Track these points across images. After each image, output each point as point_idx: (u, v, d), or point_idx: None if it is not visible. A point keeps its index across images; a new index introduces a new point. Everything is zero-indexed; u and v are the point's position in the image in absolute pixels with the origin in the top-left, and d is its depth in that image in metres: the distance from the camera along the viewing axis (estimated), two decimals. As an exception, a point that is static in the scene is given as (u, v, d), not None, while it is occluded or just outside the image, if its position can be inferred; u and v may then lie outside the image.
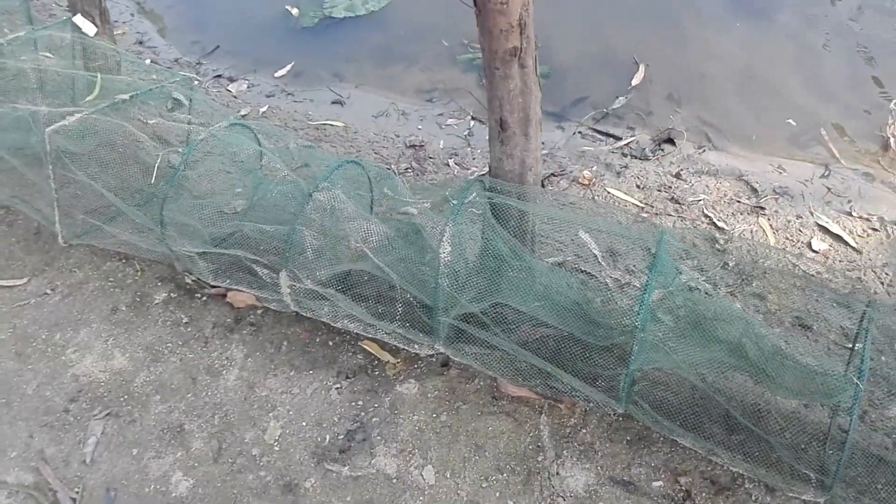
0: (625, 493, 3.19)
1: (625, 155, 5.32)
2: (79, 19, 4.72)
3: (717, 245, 4.52)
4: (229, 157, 4.47)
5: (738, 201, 4.88)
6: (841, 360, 3.71)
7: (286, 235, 3.58)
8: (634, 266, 4.31)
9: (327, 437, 3.43)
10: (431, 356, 3.71)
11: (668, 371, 3.57)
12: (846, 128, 5.53)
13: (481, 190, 3.56)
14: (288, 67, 6.34)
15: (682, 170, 5.12)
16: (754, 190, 4.97)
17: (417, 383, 3.61)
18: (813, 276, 4.36)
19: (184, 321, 3.95)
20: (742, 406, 3.44)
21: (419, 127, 5.71)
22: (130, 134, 4.08)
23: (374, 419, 3.48)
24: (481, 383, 3.60)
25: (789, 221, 4.72)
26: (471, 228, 3.64)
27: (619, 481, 3.24)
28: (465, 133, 5.65)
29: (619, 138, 5.49)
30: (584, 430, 3.41)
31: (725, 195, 4.93)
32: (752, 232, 4.64)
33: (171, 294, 4.09)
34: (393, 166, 5.22)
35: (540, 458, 3.31)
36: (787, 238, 4.63)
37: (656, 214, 4.76)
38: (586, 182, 5.05)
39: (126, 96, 4.12)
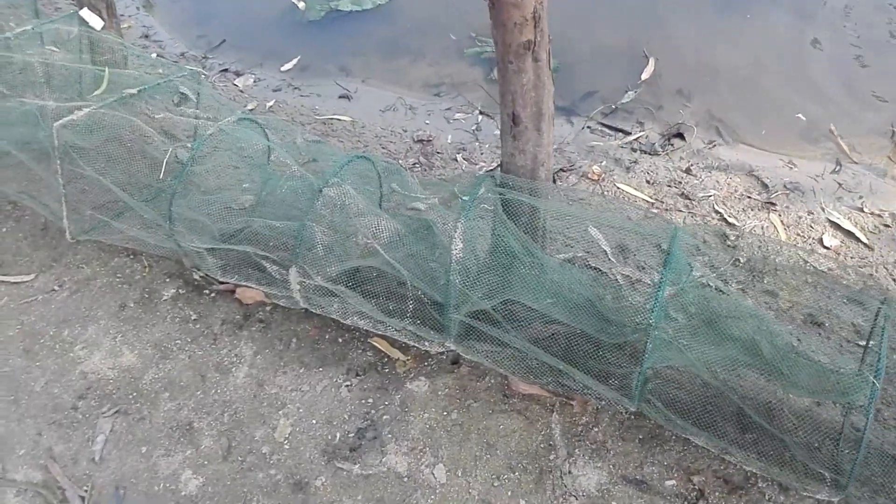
0: (637, 493, 3.17)
1: (634, 150, 5.29)
2: (86, 13, 4.68)
3: (727, 241, 4.49)
4: (237, 152, 4.45)
5: (749, 197, 4.84)
6: (853, 358, 3.69)
7: (296, 231, 3.55)
8: (645, 263, 4.28)
9: (338, 435, 3.41)
10: (442, 353, 3.69)
11: (680, 369, 3.54)
12: (856, 123, 5.48)
13: (492, 186, 3.54)
14: (294, 61, 6.30)
15: (692, 165, 5.08)
16: (765, 185, 4.94)
17: (428, 381, 3.59)
18: (825, 272, 4.32)
19: (192, 318, 3.93)
20: (755, 404, 3.41)
21: (427, 121, 5.67)
22: (138, 129, 4.05)
23: (384, 417, 3.45)
24: (492, 381, 3.58)
25: (800, 217, 4.69)
26: (480, 224, 3.61)
27: (632, 480, 3.21)
28: (473, 128, 5.61)
29: (628, 133, 5.45)
30: (596, 429, 3.39)
31: (736, 191, 4.89)
32: (762, 228, 4.61)
33: (180, 290, 4.07)
34: (401, 161, 5.19)
35: (552, 457, 3.28)
36: (798, 234, 4.59)
37: (666, 210, 4.73)
38: (596, 177, 5.02)
39: (134, 91, 4.09)
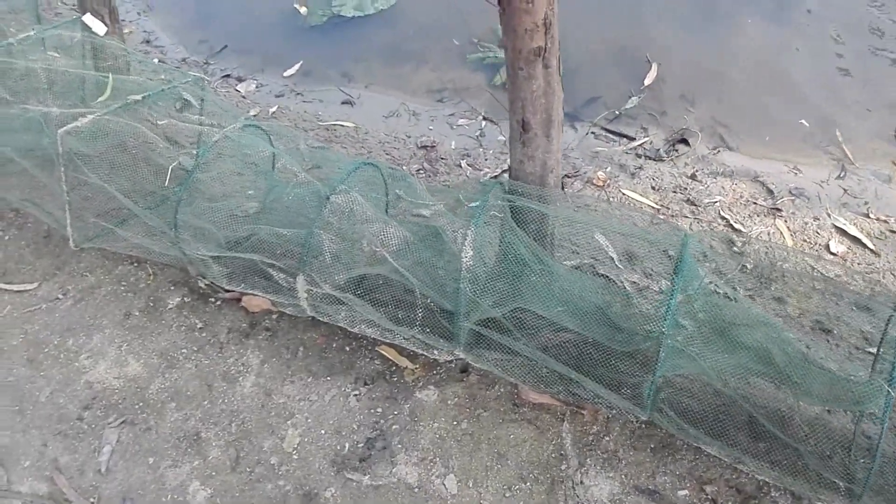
0: (650, 503, 3.14)
1: (639, 156, 5.27)
2: (89, 18, 4.65)
3: (734, 247, 4.47)
4: (241, 158, 4.41)
5: (755, 203, 4.83)
6: (863, 366, 3.67)
7: (304, 239, 3.52)
8: (652, 269, 4.26)
9: (347, 445, 3.37)
10: (450, 362, 3.66)
11: (690, 377, 3.52)
12: (860, 128, 5.48)
13: (501, 192, 3.51)
14: (296, 67, 6.28)
15: (697, 171, 5.07)
16: (770, 191, 4.93)
17: (437, 390, 3.56)
18: (832, 279, 4.31)
19: (198, 326, 3.89)
20: (766, 412, 3.39)
21: (430, 127, 5.65)
22: (143, 135, 4.01)
23: (393, 427, 3.42)
24: (502, 390, 3.55)
25: (806, 223, 4.68)
26: (487, 231, 3.58)
27: (644, 490, 3.19)
28: (477, 133, 5.59)
29: (632, 138, 5.44)
30: (608, 438, 3.37)
31: (741, 196, 4.88)
32: (769, 234, 4.60)
33: (185, 298, 4.04)
34: (405, 167, 5.16)
35: (563, 467, 3.26)
36: (804, 240, 4.58)
37: (672, 216, 4.71)
38: (601, 183, 5.00)
39: (138, 97, 4.06)
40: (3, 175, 4.58)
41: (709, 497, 3.16)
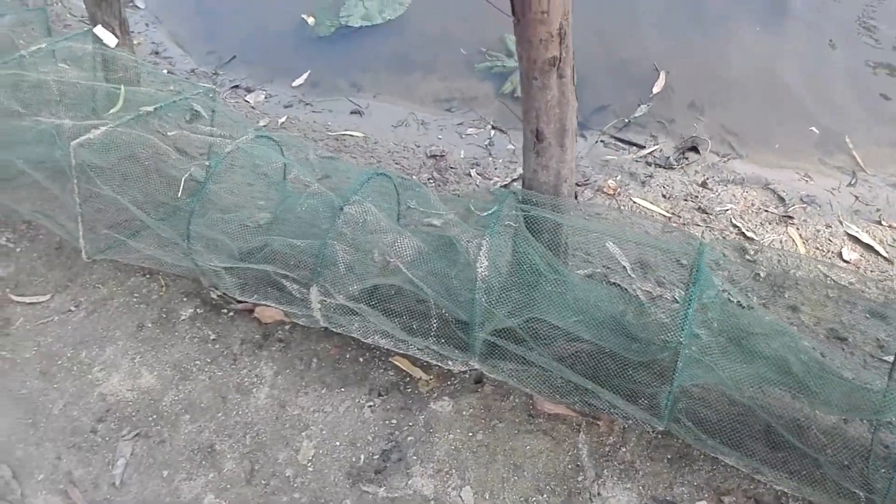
0: (668, 514, 3.13)
1: (649, 164, 5.27)
2: (99, 30, 4.66)
3: (747, 255, 4.46)
4: (252, 169, 4.41)
5: (766, 210, 4.82)
6: (878, 374, 3.65)
7: (317, 250, 3.52)
8: (665, 278, 4.25)
9: (362, 456, 3.36)
10: (465, 372, 3.65)
11: (705, 387, 3.50)
12: (871, 136, 5.47)
13: (514, 202, 3.51)
14: (304, 76, 6.28)
15: (707, 178, 5.06)
16: (781, 199, 4.91)
17: (452, 401, 3.54)
18: (846, 286, 4.29)
19: (211, 338, 3.88)
20: (784, 422, 3.37)
21: (439, 137, 5.65)
22: (155, 147, 4.02)
23: (409, 438, 3.41)
24: (516, 400, 3.54)
25: (818, 231, 4.66)
26: (499, 241, 3.57)
27: (662, 501, 3.17)
28: (486, 142, 5.59)
29: (642, 147, 5.43)
30: (624, 449, 3.35)
31: (753, 204, 4.86)
32: (781, 242, 4.58)
33: (198, 310, 4.03)
34: (414, 177, 5.16)
35: (580, 478, 3.24)
36: (817, 248, 4.57)
37: (684, 224, 4.70)
38: (611, 192, 4.99)
39: (150, 108, 4.06)
40: (14, 187, 4.59)
41: (727, 508, 3.14)
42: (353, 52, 6.48)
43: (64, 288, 4.17)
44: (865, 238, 4.60)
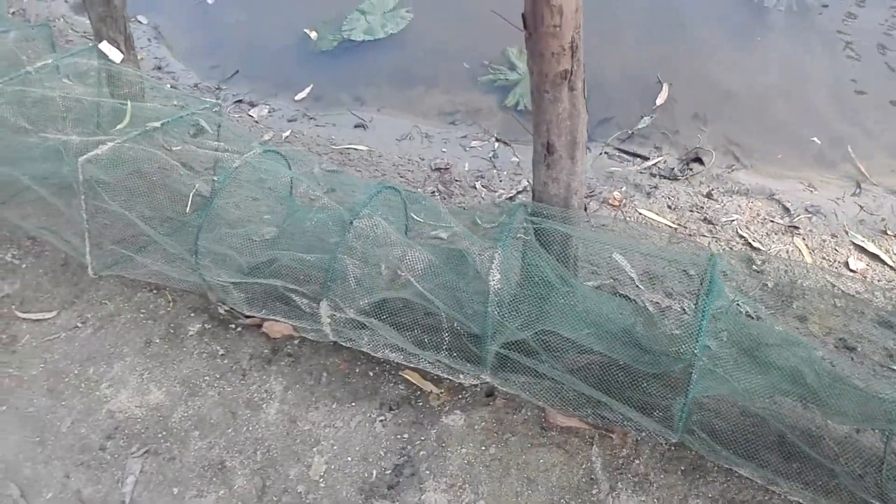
0: (684, 527, 3.10)
1: (653, 175, 5.27)
2: (105, 46, 4.67)
3: (754, 265, 4.46)
4: (256, 184, 4.40)
5: (772, 221, 4.82)
6: (888, 383, 3.64)
7: (327, 264, 3.51)
8: (673, 289, 4.24)
9: (374, 472, 3.33)
10: (475, 386, 3.63)
11: (718, 397, 3.49)
12: (874, 145, 5.49)
13: (524, 215, 3.50)
14: (307, 90, 6.29)
15: (712, 189, 5.07)
16: (786, 209, 4.92)
17: (463, 414, 3.53)
18: (853, 296, 4.29)
19: (220, 353, 3.86)
20: (796, 432, 3.36)
21: (443, 150, 5.66)
22: (162, 162, 4.01)
23: (421, 452, 3.39)
24: (528, 413, 3.52)
25: (824, 241, 4.67)
26: (509, 254, 3.57)
27: (678, 514, 3.15)
28: (490, 155, 5.60)
29: (646, 158, 5.44)
30: (638, 461, 3.33)
31: (758, 215, 4.87)
32: (788, 252, 4.58)
33: (206, 325, 4.01)
34: (420, 190, 5.16)
35: (594, 491, 3.22)
36: (823, 258, 4.57)
37: (690, 235, 4.70)
38: (617, 203, 5.00)
39: (157, 124, 4.06)
40: (19, 203, 4.58)
41: (743, 520, 3.12)
42: (355, 66, 6.49)
43: (70, 304, 4.15)
44: (871, 248, 4.60)
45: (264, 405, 3.62)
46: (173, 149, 4.51)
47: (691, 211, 4.90)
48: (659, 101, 5.89)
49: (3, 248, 4.49)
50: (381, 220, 3.57)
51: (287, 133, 5.78)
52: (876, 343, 3.96)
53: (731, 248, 4.59)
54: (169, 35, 7.00)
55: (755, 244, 4.62)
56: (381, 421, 3.52)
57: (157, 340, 3.94)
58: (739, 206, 4.94)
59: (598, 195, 5.07)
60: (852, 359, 3.89)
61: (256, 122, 5.95)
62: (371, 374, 3.75)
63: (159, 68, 6.53)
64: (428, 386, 3.66)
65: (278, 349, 3.88)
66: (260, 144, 4.36)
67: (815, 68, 6.09)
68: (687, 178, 5.22)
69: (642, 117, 5.76)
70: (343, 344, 3.71)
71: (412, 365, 3.62)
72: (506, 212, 3.60)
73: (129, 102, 4.33)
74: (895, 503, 3.05)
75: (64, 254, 4.40)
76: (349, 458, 3.39)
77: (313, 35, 6.74)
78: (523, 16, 2.99)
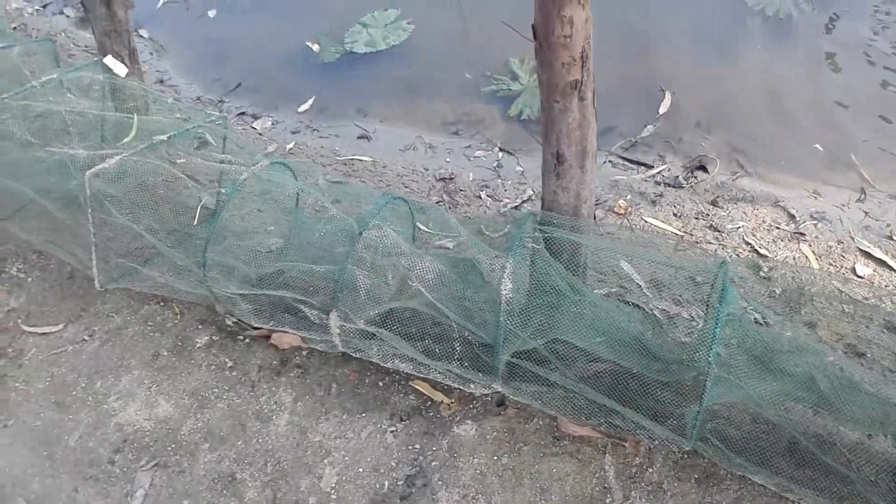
0: (700, 535, 3.09)
1: (658, 183, 5.28)
2: (109, 60, 4.68)
3: (761, 272, 4.46)
4: (261, 195, 4.40)
5: (778, 227, 4.83)
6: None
7: (336, 274, 3.50)
8: (681, 297, 4.23)
9: (386, 483, 3.31)
10: (486, 395, 3.62)
11: (730, 405, 3.48)
12: (877, 152, 5.50)
13: (534, 224, 3.50)
14: (310, 102, 6.30)
15: (717, 197, 5.08)
16: (792, 216, 4.93)
17: (475, 424, 3.51)
18: (861, 301, 4.29)
19: (228, 365, 3.84)
20: (808, 438, 3.34)
21: (447, 160, 5.67)
22: (169, 175, 4.01)
23: (433, 463, 3.37)
24: (540, 422, 3.50)
25: (831, 247, 4.67)
26: (519, 263, 3.56)
27: (692, 522, 3.13)
28: (494, 165, 5.61)
29: (650, 166, 5.45)
30: (651, 469, 3.31)
31: (764, 221, 4.87)
32: (794, 258, 4.58)
33: (213, 337, 3.99)
34: (424, 200, 5.16)
35: (608, 501, 3.20)
36: (830, 264, 4.57)
37: (696, 242, 4.70)
38: (622, 211, 5.00)
39: (164, 137, 4.06)
40: (24, 217, 4.56)
41: (758, 528, 3.10)
42: (358, 77, 6.51)
43: (77, 317, 4.13)
44: (878, 253, 4.60)
45: (274, 417, 3.60)
46: (178, 161, 4.51)
47: (697, 218, 4.90)
48: (662, 110, 5.91)
49: (8, 261, 4.48)
50: (390, 231, 3.56)
51: (291, 145, 5.78)
52: (885, 348, 3.96)
53: (738, 255, 4.59)
54: (171, 48, 7.01)
55: (762, 251, 4.62)
56: (392, 432, 3.50)
57: (165, 353, 3.92)
58: (745, 213, 4.94)
59: (603, 203, 5.07)
60: (862, 364, 3.88)
61: (260, 134, 5.95)
62: (381, 384, 3.73)
63: (161, 81, 6.54)
64: (438, 396, 3.64)
65: (287, 360, 3.86)
66: (265, 156, 4.36)
67: (817, 75, 6.11)
68: (692, 186, 5.22)
69: (645, 125, 5.77)
70: (352, 354, 3.70)
71: (422, 375, 3.60)
72: (513, 221, 3.60)
73: (135, 116, 4.33)
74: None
75: (70, 267, 4.38)
76: (360, 470, 3.37)
77: (315, 47, 6.76)
78: (533, 27, 3.00)
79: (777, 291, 4.31)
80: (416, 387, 3.70)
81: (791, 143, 5.62)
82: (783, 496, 3.18)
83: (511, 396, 3.49)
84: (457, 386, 3.55)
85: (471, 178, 5.45)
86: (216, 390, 3.73)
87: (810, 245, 4.67)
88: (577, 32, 2.90)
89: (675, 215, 4.95)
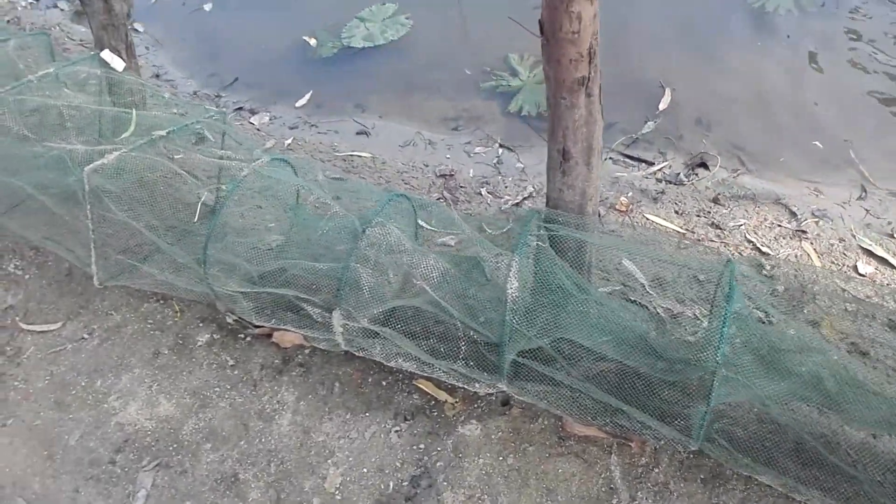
0: (706, 535, 3.07)
1: (659, 180, 5.26)
2: (107, 55, 4.61)
3: (763, 270, 4.44)
4: (262, 192, 4.36)
5: (779, 225, 4.81)
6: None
7: (339, 272, 3.46)
8: (684, 295, 4.22)
9: (391, 483, 3.29)
10: (491, 395, 3.59)
11: (735, 404, 3.47)
12: (878, 149, 5.50)
13: (539, 221, 3.48)
14: (307, 97, 6.25)
15: (719, 194, 5.06)
16: (793, 213, 4.91)
17: (479, 424, 3.48)
18: (863, 300, 4.29)
19: (230, 363, 3.81)
20: (814, 439, 3.34)
21: (447, 156, 5.63)
22: (169, 170, 3.96)
23: (438, 463, 3.34)
24: (545, 422, 3.48)
25: (832, 245, 4.66)
26: (525, 261, 3.53)
27: (699, 522, 3.12)
28: (495, 161, 5.57)
29: (651, 163, 5.43)
30: (657, 470, 3.30)
31: (766, 219, 4.86)
32: (796, 256, 4.58)
33: (214, 335, 3.95)
34: (425, 196, 5.13)
35: (614, 501, 3.18)
36: (832, 262, 4.56)
37: (699, 240, 4.69)
38: (623, 209, 4.98)
39: (163, 132, 4.01)
40: (21, 213, 4.50)
41: (765, 528, 3.09)
42: (356, 72, 6.46)
43: (76, 315, 4.09)
44: (880, 251, 4.60)
45: (277, 416, 3.57)
46: (176, 157, 4.46)
47: (698, 216, 4.88)
48: (662, 107, 5.89)
49: (5, 258, 4.42)
50: (394, 228, 3.53)
51: (289, 140, 5.73)
52: (888, 347, 3.95)
53: (740, 253, 4.58)
54: (167, 43, 6.94)
55: (764, 249, 4.61)
56: (397, 431, 3.48)
57: (166, 351, 3.88)
58: (746, 210, 4.93)
59: (605, 201, 5.05)
60: (865, 363, 3.87)
61: (258, 129, 5.90)
62: (384, 383, 3.70)
63: (158, 76, 6.48)
64: (442, 395, 3.62)
65: (289, 359, 3.83)
66: (264, 152, 4.32)
67: (817, 72, 6.10)
68: (693, 183, 5.21)
69: (646, 122, 5.75)
70: (355, 353, 3.67)
71: (426, 374, 3.58)
72: (515, 219, 3.57)
73: (133, 111, 4.27)
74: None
75: (68, 264, 4.33)
76: (365, 470, 3.34)
77: (313, 42, 6.70)
78: (540, 22, 2.97)
79: (780, 289, 4.30)
80: (420, 386, 3.67)
81: (791, 140, 5.60)
82: (790, 496, 3.17)
83: (516, 396, 3.47)
84: (461, 385, 3.53)
85: (471, 175, 5.41)
86: (218, 389, 3.69)
87: (812, 243, 4.66)
88: (585, 28, 2.87)
89: (676, 213, 4.93)
